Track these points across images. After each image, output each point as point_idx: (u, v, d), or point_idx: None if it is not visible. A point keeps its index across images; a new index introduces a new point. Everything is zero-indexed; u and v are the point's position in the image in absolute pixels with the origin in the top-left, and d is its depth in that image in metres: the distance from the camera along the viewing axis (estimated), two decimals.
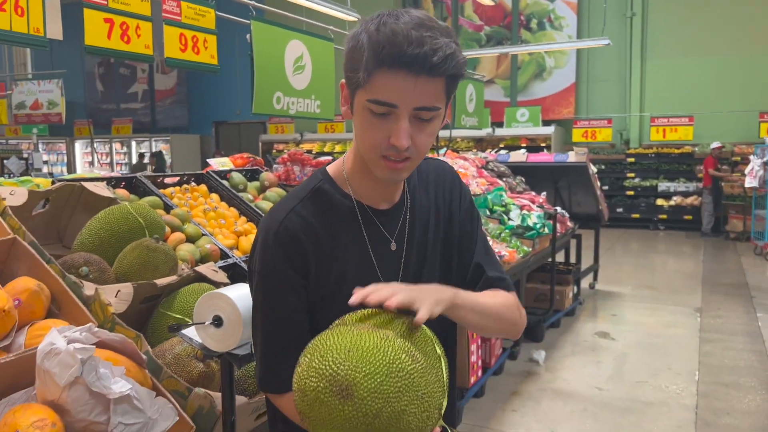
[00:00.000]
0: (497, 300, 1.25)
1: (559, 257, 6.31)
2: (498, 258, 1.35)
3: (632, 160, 12.51)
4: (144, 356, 1.57)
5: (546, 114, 13.21)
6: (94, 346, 1.36)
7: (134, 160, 15.07)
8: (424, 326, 1.03)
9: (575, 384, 4.32)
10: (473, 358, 3.92)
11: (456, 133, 12.26)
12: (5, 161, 10.58)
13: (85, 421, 1.35)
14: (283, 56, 3.73)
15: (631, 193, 12.43)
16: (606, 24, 12.13)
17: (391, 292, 1.00)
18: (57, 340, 1.34)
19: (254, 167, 3.61)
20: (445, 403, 1.01)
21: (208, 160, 3.35)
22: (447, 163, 1.36)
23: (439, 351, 1.04)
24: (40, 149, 14.66)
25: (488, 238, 4.21)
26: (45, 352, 1.34)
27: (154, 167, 12.53)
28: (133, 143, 15.99)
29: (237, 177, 3.25)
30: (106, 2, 2.58)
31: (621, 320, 5.89)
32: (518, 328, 1.29)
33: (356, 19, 7.00)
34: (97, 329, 1.47)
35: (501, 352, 4.59)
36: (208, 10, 3.30)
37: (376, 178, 1.15)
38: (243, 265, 2.57)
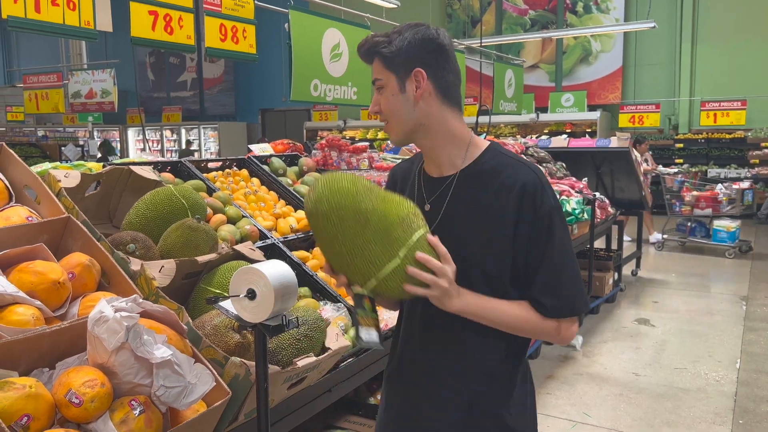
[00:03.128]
0: (517, 314, 1.37)
1: (600, 244, 6.26)
2: (572, 289, 1.39)
3: (681, 145, 12.18)
4: (185, 326, 1.69)
5: (592, 99, 12.96)
6: (139, 315, 1.48)
7: (183, 146, 15.49)
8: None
9: (612, 369, 4.31)
10: None
11: (499, 119, 12.16)
12: (62, 148, 11.04)
13: (130, 383, 1.48)
14: (320, 44, 3.81)
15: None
16: (654, 6, 11.80)
17: (442, 272, 1.28)
18: (105, 309, 1.47)
19: (294, 153, 3.72)
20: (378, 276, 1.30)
21: (249, 146, 3.47)
22: (527, 177, 1.37)
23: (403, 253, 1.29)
24: (95, 136, 15.23)
25: None
26: (95, 319, 1.46)
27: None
28: (183, 130, 16.42)
29: (277, 162, 3.37)
30: None
31: (663, 307, 5.82)
32: (550, 339, 1.42)
33: (395, 6, 7.02)
34: (141, 300, 1.59)
35: None
36: (248, 1, 3.41)
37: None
38: (281, 245, 2.68)
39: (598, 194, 5.60)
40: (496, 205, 1.36)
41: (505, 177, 1.37)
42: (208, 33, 3.16)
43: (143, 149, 15.94)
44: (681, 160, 12.14)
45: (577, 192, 5.40)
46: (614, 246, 6.48)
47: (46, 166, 2.40)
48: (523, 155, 5.87)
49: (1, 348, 1.44)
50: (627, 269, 6.84)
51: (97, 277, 1.80)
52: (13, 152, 2.05)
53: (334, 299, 2.53)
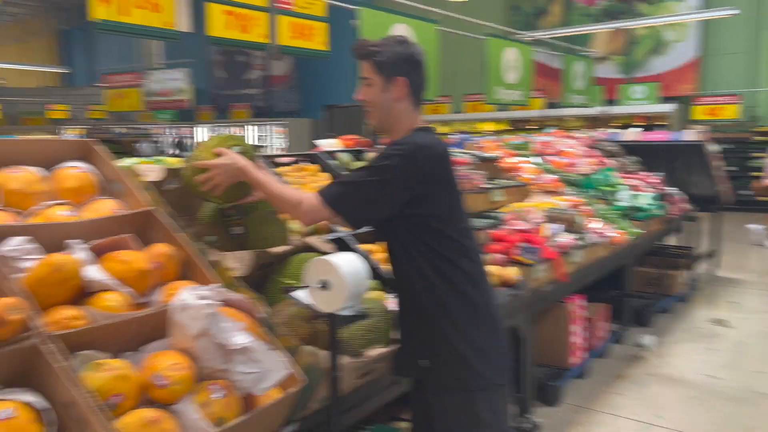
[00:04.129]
0: (284, 189, 1.87)
1: (674, 241, 6.04)
2: (341, 189, 1.79)
3: (762, 138, 11.54)
4: (261, 315, 1.75)
5: (664, 91, 12.46)
6: (219, 303, 1.55)
7: (252, 143, 15.87)
8: None
9: (685, 370, 4.16)
10: (573, 339, 3.89)
11: (565, 111, 11.89)
12: (138, 145, 11.54)
13: (211, 368, 1.55)
14: None
15: (759, 174, 11.47)
16: None
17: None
18: (188, 297, 1.54)
19: (360, 147, 3.77)
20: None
21: (314, 141, 3.54)
22: (402, 140, 1.80)
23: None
24: (169, 132, 15.82)
25: (593, 217, 4.13)
26: (178, 306, 1.54)
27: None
28: (250, 127, 16.82)
29: (344, 156, 3.42)
30: None
31: (741, 308, 5.56)
32: (295, 214, 1.82)
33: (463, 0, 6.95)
34: (221, 289, 1.66)
35: (606, 335, 4.50)
36: None
37: None
38: (348, 238, 2.73)
39: (673, 189, 5.40)
40: None
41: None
42: (280, 31, 3.24)
43: None
44: (762, 154, 11.51)
45: (650, 187, 5.23)
46: (688, 244, 6.24)
47: (130, 161, 2.53)
48: (592, 149, 5.74)
49: (93, 331, 1.53)
50: (702, 268, 6.57)
51: (179, 267, 1.89)
52: (100, 149, 2.17)
53: None
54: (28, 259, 1.60)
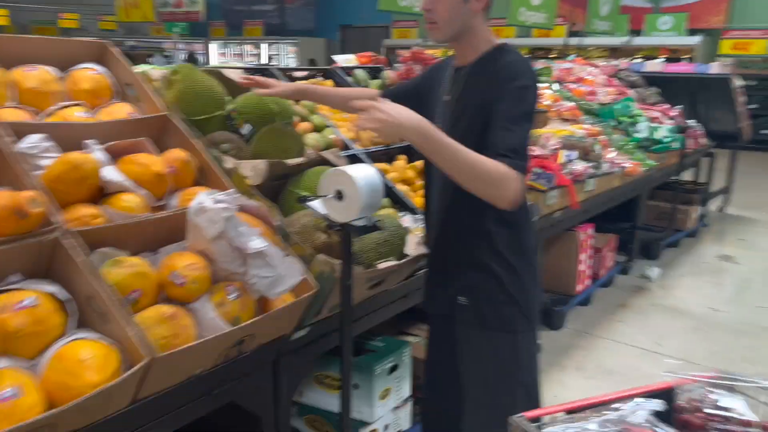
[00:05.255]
0: (481, 160, 1.49)
1: (689, 176, 5.98)
2: (522, 137, 1.57)
3: None
4: (276, 223, 1.77)
5: (692, 22, 12.00)
6: (236, 207, 1.56)
7: (264, 61, 15.60)
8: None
9: (688, 303, 4.22)
10: (581, 267, 3.93)
11: (588, 40, 11.52)
12: (149, 58, 11.36)
13: (227, 271, 1.58)
14: None
15: None
16: None
17: (370, 118, 1.48)
18: (206, 200, 1.55)
19: (377, 65, 3.69)
20: None
21: (333, 56, 3.47)
22: (512, 63, 1.62)
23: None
24: (181, 47, 15.56)
25: (609, 147, 4.08)
26: (196, 208, 1.56)
27: None
28: (263, 45, 16.48)
29: (360, 74, 3.36)
30: None
31: (749, 245, 5.57)
32: (498, 194, 1.50)
33: None
34: (238, 195, 1.67)
35: (613, 265, 4.54)
36: None
37: None
38: (362, 156, 2.71)
39: (692, 122, 5.30)
40: (487, 93, 1.61)
41: (497, 66, 1.62)
42: None
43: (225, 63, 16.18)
44: None
45: (669, 120, 5.13)
46: (703, 179, 6.18)
47: (145, 67, 2.49)
48: (613, 78, 5.60)
49: (111, 230, 1.56)
50: (714, 205, 6.54)
51: (195, 173, 1.89)
52: (115, 51, 2.13)
53: (412, 211, 2.57)
54: (46, 156, 1.61)
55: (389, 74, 3.46)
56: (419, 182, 2.76)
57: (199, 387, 1.51)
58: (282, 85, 2.04)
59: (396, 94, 1.92)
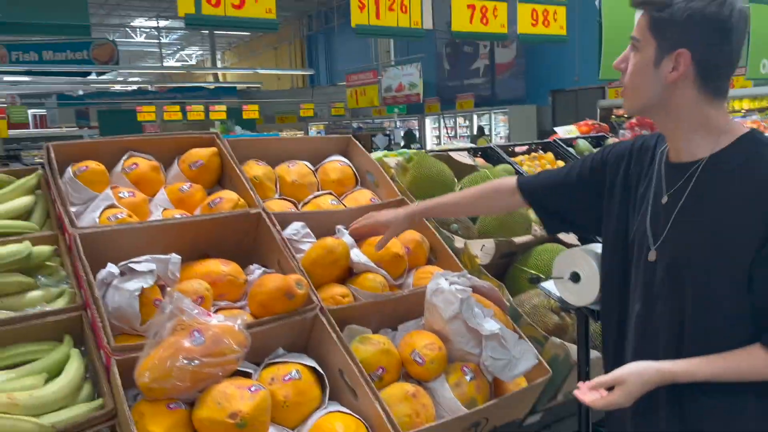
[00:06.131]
0: (749, 368, 1.11)
1: None
2: None
3: None
4: (507, 303, 1.78)
5: None
6: (471, 289, 1.61)
7: (475, 132, 16.07)
8: None
9: None
10: None
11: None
12: (373, 138, 12.39)
13: (461, 351, 1.62)
14: (633, 18, 3.58)
15: None
16: None
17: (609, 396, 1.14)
18: (442, 282, 1.63)
19: (599, 134, 3.60)
20: None
21: (555, 128, 3.47)
22: None
23: None
24: (398, 125, 16.74)
25: None
26: (433, 290, 1.64)
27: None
28: (474, 116, 17.01)
29: (582, 144, 3.30)
30: None
31: None
32: None
33: None
34: (470, 276, 1.72)
35: None
36: None
37: None
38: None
39: None
40: (742, 213, 1.11)
41: (761, 175, 1.11)
42: (520, 20, 3.23)
43: (438, 136, 16.99)
44: None
45: None
46: None
47: (379, 153, 2.74)
48: None
49: (358, 308, 1.70)
50: None
51: (427, 253, 2.00)
52: (357, 143, 2.38)
53: None
54: (305, 241, 1.84)
55: (614, 142, 3.34)
56: None
57: None
58: (394, 222, 1.72)
59: (545, 188, 1.50)
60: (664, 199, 1.22)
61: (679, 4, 1.12)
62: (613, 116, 14.02)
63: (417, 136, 15.84)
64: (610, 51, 3.57)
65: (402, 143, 13.58)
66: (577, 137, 3.36)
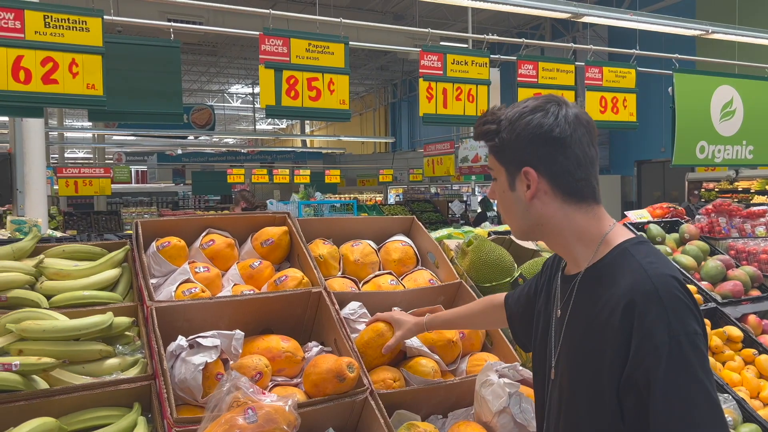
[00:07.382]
0: None
1: None
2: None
3: None
4: None
5: None
6: (519, 383, 1.62)
7: None
8: None
9: None
10: None
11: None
12: (450, 204, 12.48)
13: None
14: (708, 104, 3.55)
15: None
16: None
17: None
18: (491, 374, 1.65)
19: (674, 218, 3.51)
20: None
21: (626, 212, 3.42)
22: (645, 292, 1.02)
23: None
24: (476, 192, 16.81)
25: None
26: (482, 381, 1.66)
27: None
28: None
29: (655, 229, 3.23)
30: (536, 78, 2.99)
31: None
32: None
33: None
34: (521, 368, 1.73)
35: None
36: (629, 71, 3.41)
37: None
38: None
39: None
40: (605, 331, 1.05)
41: (616, 287, 1.06)
42: (588, 106, 3.27)
43: None
44: None
45: None
46: None
47: (443, 232, 2.80)
48: None
49: (409, 393, 1.74)
50: None
51: (482, 339, 2.03)
52: (420, 224, 2.47)
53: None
54: (361, 321, 1.91)
55: (689, 228, 3.25)
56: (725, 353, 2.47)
57: None
58: (405, 326, 1.76)
59: (519, 300, 1.49)
60: (558, 313, 1.21)
61: (506, 128, 1.16)
62: (702, 190, 13.44)
63: (493, 203, 15.86)
64: (684, 136, 3.53)
65: (479, 209, 13.61)
66: (649, 222, 3.29)
